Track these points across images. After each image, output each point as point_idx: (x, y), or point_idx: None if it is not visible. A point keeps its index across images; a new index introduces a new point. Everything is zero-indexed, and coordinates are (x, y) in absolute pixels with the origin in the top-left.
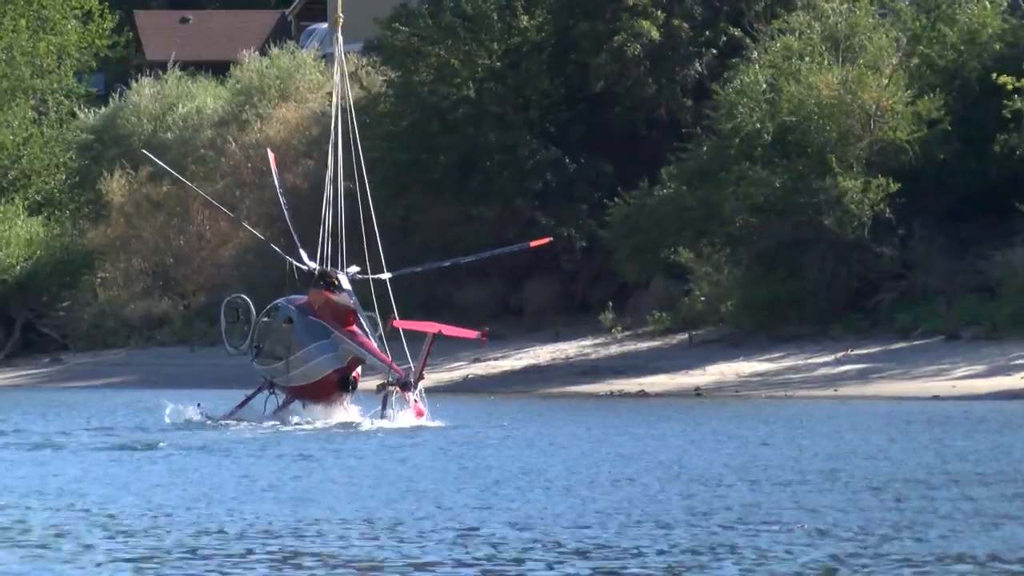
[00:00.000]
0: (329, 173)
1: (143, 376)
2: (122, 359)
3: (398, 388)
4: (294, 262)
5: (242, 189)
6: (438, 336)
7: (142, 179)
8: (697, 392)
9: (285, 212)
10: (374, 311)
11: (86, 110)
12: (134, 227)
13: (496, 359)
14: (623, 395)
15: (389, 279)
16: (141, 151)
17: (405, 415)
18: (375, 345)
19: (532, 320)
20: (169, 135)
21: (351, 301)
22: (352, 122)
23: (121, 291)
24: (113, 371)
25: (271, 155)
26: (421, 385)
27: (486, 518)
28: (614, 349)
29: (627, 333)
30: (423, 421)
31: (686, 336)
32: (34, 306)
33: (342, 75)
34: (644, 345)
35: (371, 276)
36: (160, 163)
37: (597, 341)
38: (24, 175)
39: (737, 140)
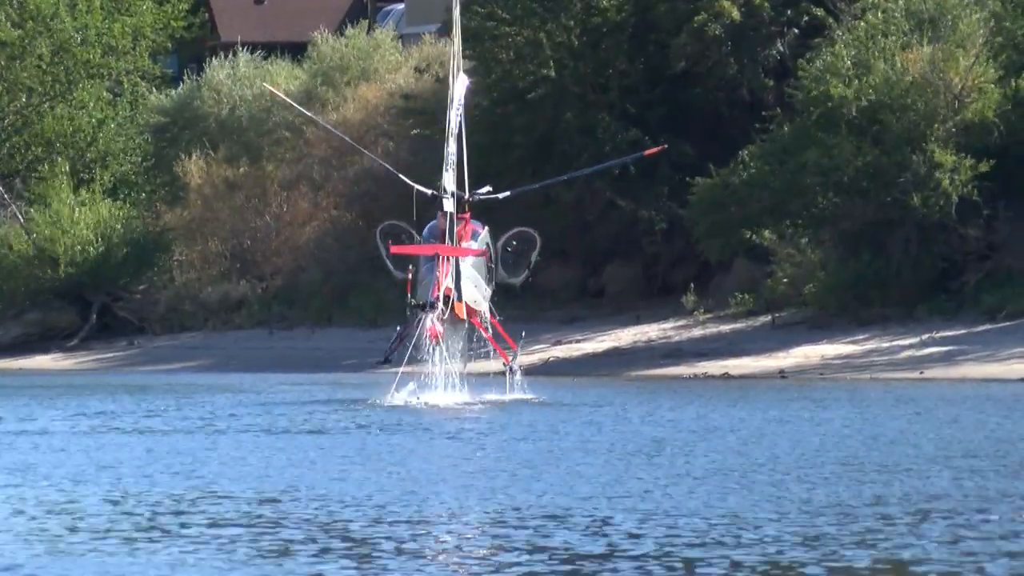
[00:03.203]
0: (450, 95)
1: (220, 360)
2: (199, 342)
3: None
4: (416, 187)
5: (324, 169)
6: (446, 258)
7: (220, 160)
8: (781, 374)
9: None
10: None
11: (160, 92)
12: (211, 209)
13: (577, 342)
14: (707, 377)
15: (506, 197)
16: (264, 86)
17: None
18: (441, 271)
19: (613, 303)
20: (244, 116)
21: (444, 224)
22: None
23: (198, 274)
24: (190, 354)
25: (464, 78)
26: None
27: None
28: (696, 332)
29: (709, 315)
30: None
31: (769, 318)
32: (110, 289)
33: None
34: (727, 327)
35: (480, 195)
36: (284, 98)
37: (679, 324)
38: (100, 157)
39: (821, 112)
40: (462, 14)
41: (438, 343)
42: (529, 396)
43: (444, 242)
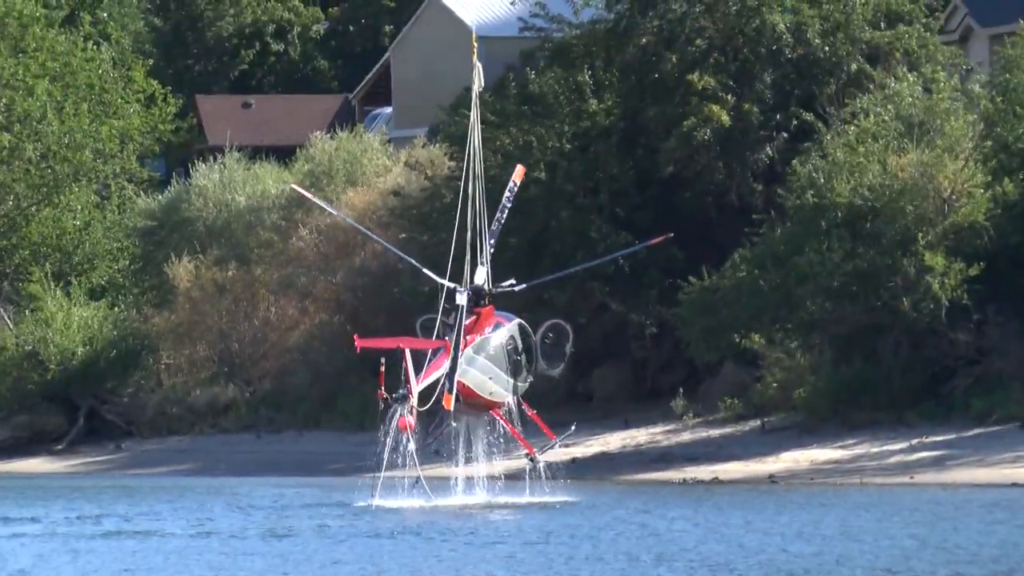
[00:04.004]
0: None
1: (208, 463)
2: (187, 446)
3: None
4: (441, 280)
5: (311, 273)
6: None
7: (208, 263)
8: (771, 479)
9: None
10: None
11: (148, 196)
12: (199, 312)
13: (565, 446)
14: (696, 482)
15: (521, 289)
16: (291, 187)
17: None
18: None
19: (602, 407)
20: (232, 219)
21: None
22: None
23: (186, 377)
24: (178, 458)
25: (520, 169)
26: (413, 401)
27: None
28: (686, 436)
29: (698, 420)
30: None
31: (758, 423)
32: (98, 393)
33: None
34: (716, 432)
35: (503, 287)
36: (311, 197)
37: (668, 428)
38: (87, 260)
39: (814, 207)
40: (450, 118)
41: (409, 435)
42: (556, 498)
43: (454, 336)
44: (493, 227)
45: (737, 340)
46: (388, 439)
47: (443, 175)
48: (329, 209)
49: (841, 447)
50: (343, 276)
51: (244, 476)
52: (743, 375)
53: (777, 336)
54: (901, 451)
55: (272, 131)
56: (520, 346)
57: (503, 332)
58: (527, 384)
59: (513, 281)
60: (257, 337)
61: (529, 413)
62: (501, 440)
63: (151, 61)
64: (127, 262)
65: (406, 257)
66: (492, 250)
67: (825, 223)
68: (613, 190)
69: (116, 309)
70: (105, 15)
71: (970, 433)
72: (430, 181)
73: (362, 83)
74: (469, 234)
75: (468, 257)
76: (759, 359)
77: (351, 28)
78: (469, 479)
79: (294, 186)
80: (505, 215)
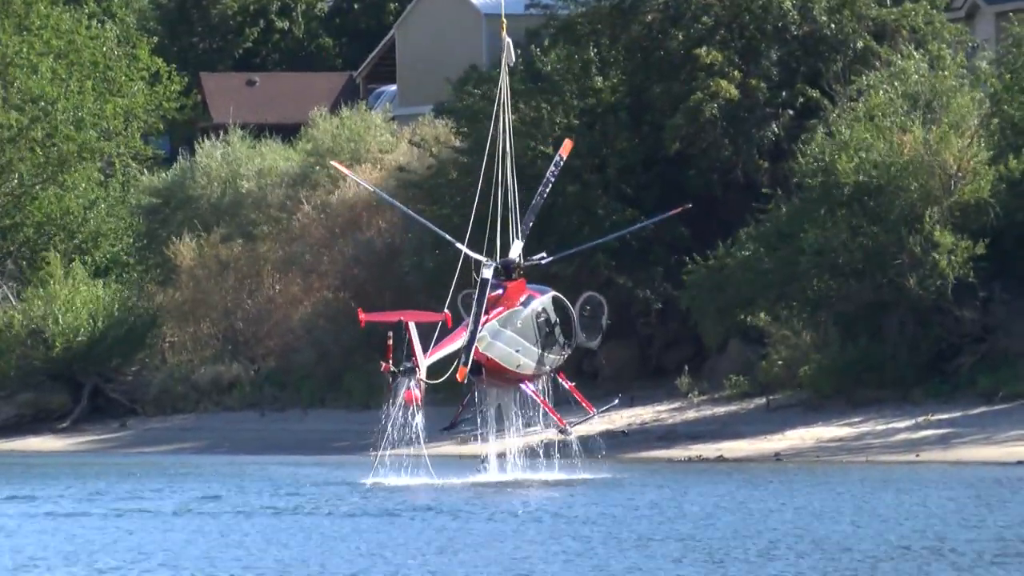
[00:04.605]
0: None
1: (212, 442)
2: (191, 424)
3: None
4: (475, 255)
5: (315, 250)
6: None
7: (213, 241)
8: (777, 457)
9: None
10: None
11: (152, 174)
12: (203, 290)
13: (570, 424)
14: (701, 460)
15: (548, 261)
16: (331, 164)
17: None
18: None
19: (608, 384)
20: (238, 196)
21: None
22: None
23: (190, 355)
24: (182, 436)
25: (568, 143)
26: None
27: None
28: (691, 414)
29: (704, 397)
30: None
31: (763, 400)
32: (102, 371)
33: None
34: (721, 410)
35: (533, 260)
36: (351, 174)
37: (673, 406)
38: (91, 238)
39: (820, 184)
40: (456, 94)
41: (415, 408)
42: (585, 475)
43: (478, 309)
44: (535, 201)
45: (742, 318)
46: (395, 414)
47: (448, 151)
48: (367, 186)
49: (847, 425)
50: (349, 253)
51: (248, 455)
52: (748, 353)
53: (782, 314)
54: (907, 429)
55: (276, 109)
56: (553, 319)
57: (534, 305)
58: (563, 357)
59: (543, 254)
60: (261, 315)
61: (567, 385)
62: (537, 414)
63: (155, 39)
64: (131, 240)
65: (439, 231)
66: (531, 224)
67: (831, 201)
68: (620, 167)
69: (120, 287)
70: None
71: (976, 411)
72: (435, 159)
73: (366, 61)
74: (500, 209)
75: (499, 230)
76: (764, 337)
77: (355, 6)
78: (501, 455)
79: (334, 163)
80: (548, 189)
